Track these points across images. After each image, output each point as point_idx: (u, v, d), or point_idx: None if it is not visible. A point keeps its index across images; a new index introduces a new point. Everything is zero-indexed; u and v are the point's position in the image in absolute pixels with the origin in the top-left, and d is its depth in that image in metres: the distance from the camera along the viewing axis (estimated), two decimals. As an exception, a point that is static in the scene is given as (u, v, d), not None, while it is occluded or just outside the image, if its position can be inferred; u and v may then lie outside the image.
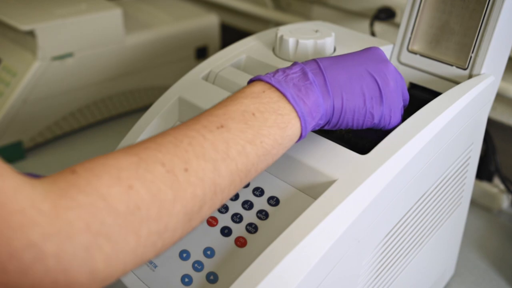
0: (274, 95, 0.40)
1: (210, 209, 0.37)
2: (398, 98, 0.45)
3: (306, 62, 0.44)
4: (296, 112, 0.40)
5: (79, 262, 0.30)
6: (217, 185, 0.37)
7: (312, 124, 0.42)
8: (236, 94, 0.41)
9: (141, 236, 0.33)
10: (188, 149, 0.36)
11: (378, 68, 0.45)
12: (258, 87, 0.41)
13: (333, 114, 0.43)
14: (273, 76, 0.42)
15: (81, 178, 0.32)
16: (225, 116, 0.39)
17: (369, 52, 0.46)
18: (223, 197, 0.38)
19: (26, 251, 0.28)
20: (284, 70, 0.43)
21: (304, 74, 0.42)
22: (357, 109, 0.43)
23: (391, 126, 0.46)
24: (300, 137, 0.42)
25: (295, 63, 0.44)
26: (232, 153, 0.37)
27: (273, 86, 0.41)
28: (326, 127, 0.44)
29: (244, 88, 0.42)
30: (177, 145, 0.36)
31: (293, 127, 0.41)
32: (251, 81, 0.42)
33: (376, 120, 0.44)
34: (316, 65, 0.43)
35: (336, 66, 0.44)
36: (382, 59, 0.46)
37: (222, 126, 0.38)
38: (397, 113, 0.46)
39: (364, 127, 0.45)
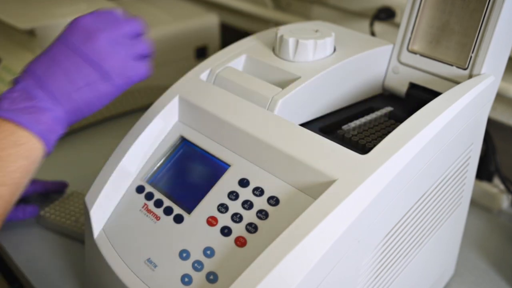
0: (8, 127, 0.42)
1: None
2: (120, 58, 0.46)
3: (23, 77, 0.45)
4: (37, 136, 0.43)
5: None
6: None
7: (56, 136, 0.45)
8: None
9: None
10: None
11: (87, 53, 0.45)
12: None
13: (71, 120, 0.46)
14: (1, 107, 0.43)
15: None
16: None
17: (73, 32, 0.46)
18: None
19: None
20: (7, 95, 0.44)
21: (27, 93, 0.44)
22: (92, 102, 0.46)
23: (138, 77, 0.48)
24: (47, 153, 0.45)
25: (15, 82, 0.45)
26: None
27: (5, 118, 0.42)
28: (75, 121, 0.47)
29: None
30: None
31: (37, 150, 0.43)
32: None
33: (110, 97, 0.47)
34: (33, 80, 0.44)
35: (51, 69, 0.45)
36: (85, 38, 0.46)
37: None
38: (132, 67, 0.47)
39: (106, 103, 0.47)
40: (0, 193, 0.40)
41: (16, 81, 0.45)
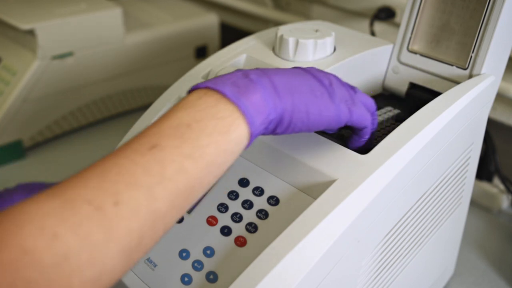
0: (211, 100, 0.37)
1: (153, 239, 0.34)
2: (348, 94, 0.43)
3: (248, 69, 0.41)
4: (239, 109, 0.37)
5: None
6: (155, 212, 0.33)
7: (260, 119, 0.38)
8: (171, 108, 0.38)
9: (76, 284, 0.30)
10: (117, 179, 0.33)
11: (318, 73, 0.43)
12: (193, 95, 0.38)
13: (284, 111, 0.39)
14: (210, 80, 0.39)
15: (4, 231, 0.30)
16: (158, 135, 0.35)
17: (307, 67, 0.44)
18: (166, 222, 0.35)
19: None
20: (223, 75, 0.40)
21: (245, 75, 0.39)
22: (310, 105, 0.40)
23: (357, 121, 0.43)
24: (251, 137, 0.38)
25: (237, 70, 0.41)
26: (168, 174, 0.34)
27: (209, 88, 0.38)
28: (279, 130, 0.40)
29: (180, 100, 0.39)
30: (104, 177, 0.33)
31: (238, 128, 0.37)
32: (190, 91, 0.40)
33: (332, 113, 0.41)
34: (258, 70, 0.41)
35: (278, 71, 0.41)
36: (319, 70, 0.44)
37: (154, 146, 0.35)
38: (358, 108, 0.43)
39: (324, 126, 0.41)
40: (184, 168, 0.34)
41: (238, 69, 0.41)
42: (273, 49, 0.58)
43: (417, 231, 0.52)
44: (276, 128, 0.40)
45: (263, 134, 0.40)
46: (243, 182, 0.47)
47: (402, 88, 0.59)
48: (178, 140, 0.35)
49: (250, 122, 0.37)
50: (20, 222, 0.30)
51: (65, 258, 0.30)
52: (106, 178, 0.33)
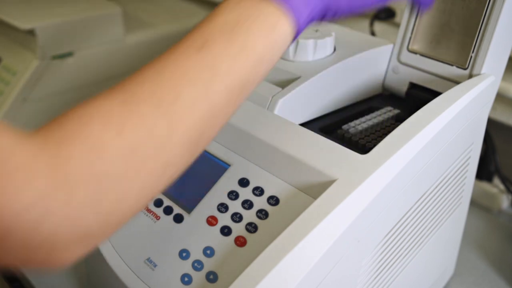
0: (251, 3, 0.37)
1: (211, 134, 0.36)
2: None
3: None
4: (285, 5, 0.37)
5: (88, 210, 0.30)
6: (213, 107, 0.34)
7: (306, 12, 0.38)
8: (213, 11, 0.38)
9: (144, 175, 0.32)
10: (174, 76, 0.34)
11: None
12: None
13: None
14: None
15: (70, 129, 0.31)
16: (208, 31, 0.36)
17: None
18: (222, 118, 0.36)
19: (33, 207, 0.28)
20: None
21: None
22: None
23: None
24: (298, 31, 0.38)
25: None
26: (222, 69, 0.35)
27: None
28: (326, 18, 0.40)
29: (218, 5, 0.39)
30: (162, 74, 0.34)
31: (284, 25, 0.37)
32: None
33: None
34: None
35: None
36: None
37: (205, 44, 0.35)
38: None
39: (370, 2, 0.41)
40: (236, 64, 0.35)
41: None
42: (273, 49, 0.58)
43: (417, 231, 0.52)
44: (324, 17, 0.40)
45: (310, 22, 0.40)
46: (243, 182, 0.47)
47: (402, 88, 0.59)
48: (227, 37, 0.36)
49: (296, 17, 0.37)
50: (85, 120, 0.31)
51: (132, 151, 0.31)
52: (163, 76, 0.34)
